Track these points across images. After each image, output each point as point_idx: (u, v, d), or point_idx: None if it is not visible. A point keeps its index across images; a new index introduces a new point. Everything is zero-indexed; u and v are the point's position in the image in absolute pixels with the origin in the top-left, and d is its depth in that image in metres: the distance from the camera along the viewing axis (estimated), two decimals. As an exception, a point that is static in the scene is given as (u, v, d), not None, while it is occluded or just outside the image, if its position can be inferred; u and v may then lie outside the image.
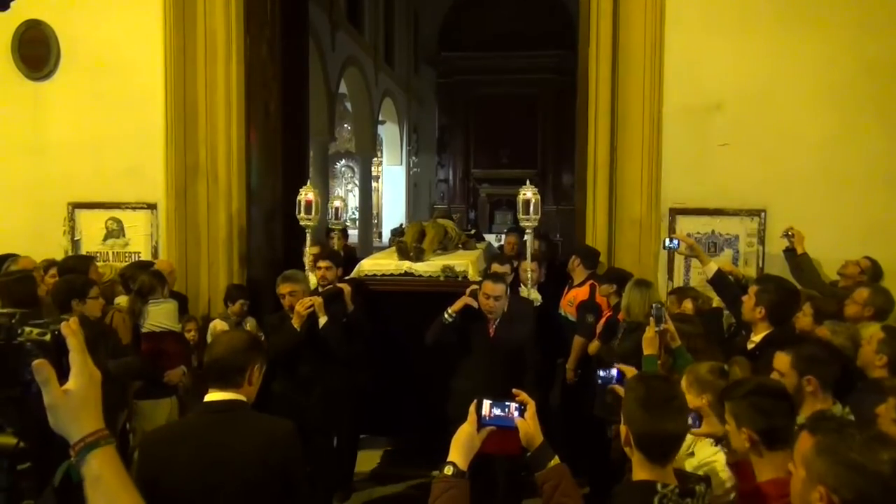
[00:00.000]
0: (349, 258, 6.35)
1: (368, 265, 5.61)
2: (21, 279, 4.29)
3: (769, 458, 2.10)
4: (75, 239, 6.04)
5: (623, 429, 2.01)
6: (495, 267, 5.14)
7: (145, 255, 5.88)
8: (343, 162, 20.54)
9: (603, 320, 4.85)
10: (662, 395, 1.99)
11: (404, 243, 5.59)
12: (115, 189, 5.94)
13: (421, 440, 5.15)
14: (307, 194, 5.47)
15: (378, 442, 5.78)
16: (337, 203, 6.47)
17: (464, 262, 5.47)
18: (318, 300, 4.41)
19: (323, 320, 4.43)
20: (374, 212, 19.15)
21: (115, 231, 6.02)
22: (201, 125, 5.86)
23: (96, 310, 4.16)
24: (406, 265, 5.44)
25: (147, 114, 5.82)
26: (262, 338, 4.35)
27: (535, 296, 5.25)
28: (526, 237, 5.39)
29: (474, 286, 4.48)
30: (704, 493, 1.97)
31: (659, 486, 1.89)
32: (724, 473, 2.34)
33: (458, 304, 4.32)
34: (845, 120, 5.21)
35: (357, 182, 18.72)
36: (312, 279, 5.31)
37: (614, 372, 3.01)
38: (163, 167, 5.82)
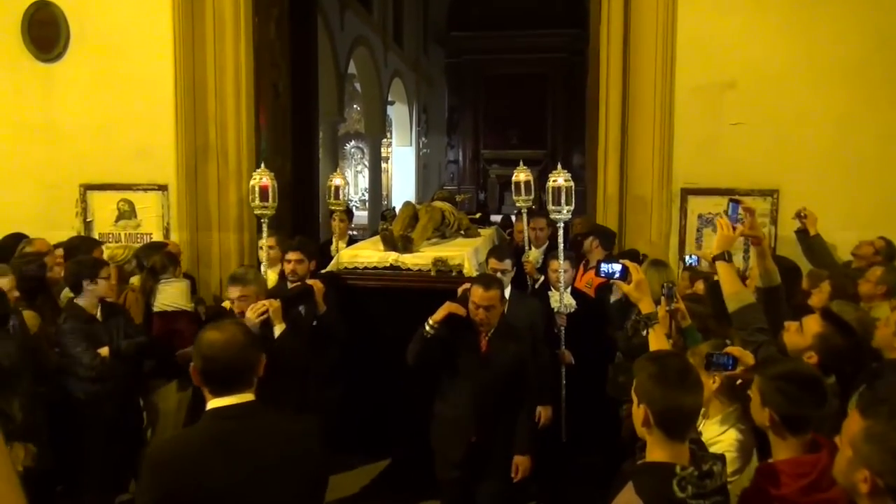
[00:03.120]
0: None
1: (348, 256, 4.84)
2: (31, 261, 4.36)
3: (789, 439, 2.10)
4: (87, 220, 6.07)
5: (640, 410, 1.98)
6: (493, 263, 4.28)
7: (157, 237, 5.90)
8: (353, 143, 20.50)
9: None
10: (677, 370, 1.97)
11: (389, 231, 4.87)
12: (126, 170, 5.96)
13: (408, 462, 4.48)
14: (262, 179, 4.78)
15: (358, 462, 4.90)
16: (336, 181, 5.40)
17: (458, 253, 4.71)
18: (275, 304, 3.71)
19: (280, 328, 3.71)
20: (384, 193, 19.14)
21: (127, 212, 6.04)
22: (210, 105, 5.86)
23: (108, 290, 4.20)
24: (392, 257, 4.70)
25: (157, 94, 5.82)
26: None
27: (568, 301, 4.47)
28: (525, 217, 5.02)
29: (467, 285, 3.72)
30: (721, 472, 1.97)
31: (678, 469, 1.88)
32: (731, 454, 2.33)
33: (439, 313, 3.52)
34: (860, 98, 5.13)
35: (367, 163, 18.69)
36: (272, 277, 4.81)
37: (617, 266, 2.91)
38: (173, 148, 5.83)
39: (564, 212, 4.38)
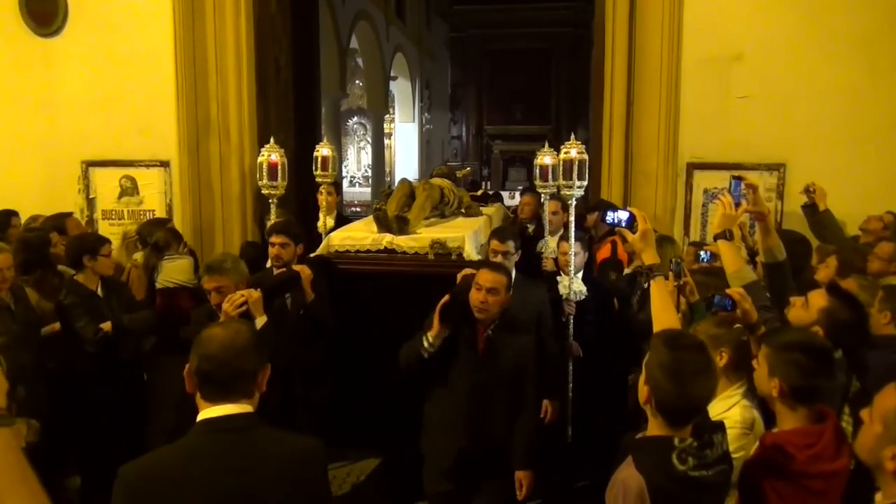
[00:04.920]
0: (342, 223, 5.24)
1: (339, 239, 4.50)
2: (35, 237, 4.37)
3: (798, 410, 2.08)
4: (90, 197, 6.05)
5: (644, 388, 1.94)
6: (494, 244, 3.93)
7: (160, 213, 5.90)
8: (355, 119, 20.35)
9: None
10: (693, 368, 1.88)
11: (383, 212, 4.51)
12: (128, 147, 5.93)
13: (403, 458, 4.01)
14: (270, 155, 4.41)
15: (349, 461, 4.68)
16: (324, 151, 4.90)
17: (458, 234, 4.34)
18: (255, 295, 3.32)
19: (261, 322, 3.32)
20: (387, 170, 19.05)
21: (130, 189, 6.03)
22: (212, 81, 5.81)
23: (108, 268, 4.20)
24: (386, 239, 4.34)
25: (157, 70, 5.78)
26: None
27: (578, 287, 4.03)
28: (546, 203, 4.60)
29: (467, 271, 3.36)
30: (722, 440, 1.95)
31: (676, 441, 1.86)
32: (735, 430, 2.32)
33: (435, 325, 3.09)
34: (869, 71, 5.05)
35: (369, 139, 18.58)
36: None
37: (624, 214, 2.81)
38: (174, 124, 5.79)
39: (577, 187, 4.00)
